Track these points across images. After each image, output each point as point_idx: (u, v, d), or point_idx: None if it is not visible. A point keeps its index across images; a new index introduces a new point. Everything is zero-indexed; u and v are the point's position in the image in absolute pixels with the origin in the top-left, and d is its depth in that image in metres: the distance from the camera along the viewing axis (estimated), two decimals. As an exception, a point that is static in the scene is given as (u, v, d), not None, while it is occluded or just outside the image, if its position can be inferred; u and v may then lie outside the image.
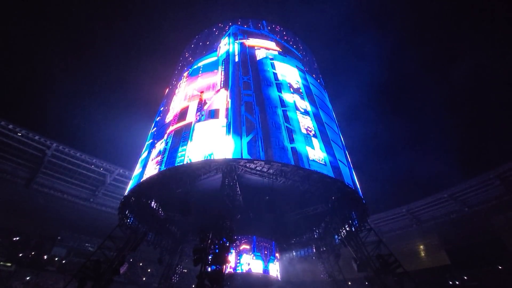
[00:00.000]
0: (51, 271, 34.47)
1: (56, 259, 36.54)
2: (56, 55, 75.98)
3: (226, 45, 31.24)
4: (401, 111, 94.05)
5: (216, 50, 31.73)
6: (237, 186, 19.52)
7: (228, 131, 19.84)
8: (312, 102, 26.55)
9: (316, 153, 20.44)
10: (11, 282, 30.50)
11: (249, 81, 25.11)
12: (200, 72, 29.14)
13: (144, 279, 41.84)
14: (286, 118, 22.10)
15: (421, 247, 41.77)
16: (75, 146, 39.08)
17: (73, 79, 77.98)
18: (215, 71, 27.65)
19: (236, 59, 28.24)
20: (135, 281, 40.30)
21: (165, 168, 19.62)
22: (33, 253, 35.04)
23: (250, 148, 18.60)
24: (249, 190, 20.62)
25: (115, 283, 22.79)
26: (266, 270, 24.65)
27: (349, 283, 33.55)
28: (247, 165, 18.83)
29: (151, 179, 20.40)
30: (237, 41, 31.38)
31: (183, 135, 21.33)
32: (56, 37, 76.42)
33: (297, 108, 23.94)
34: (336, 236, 25.42)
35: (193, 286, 33.75)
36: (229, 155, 18.12)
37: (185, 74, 31.71)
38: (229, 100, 22.81)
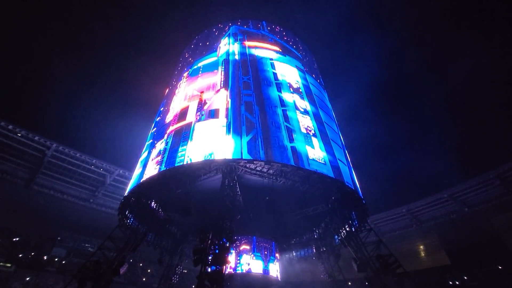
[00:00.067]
0: (51, 271, 34.42)
1: (56, 259, 36.50)
2: (56, 55, 76.00)
3: (226, 45, 31.27)
4: (401, 111, 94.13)
5: (216, 50, 31.75)
6: (237, 186, 19.50)
7: (228, 131, 19.87)
8: (311, 101, 26.59)
9: (316, 152, 20.48)
10: (11, 282, 30.46)
11: (249, 81, 25.15)
12: (200, 72, 29.16)
13: (144, 279, 41.81)
14: (286, 118, 22.15)
15: (421, 247, 41.76)
16: (75, 147, 39.05)
17: (73, 79, 77.97)
18: (215, 71, 27.67)
19: (236, 59, 28.27)
20: (135, 282, 40.27)
21: (165, 168, 19.62)
22: (33, 253, 35.01)
23: (250, 147, 18.63)
24: (249, 191, 20.62)
25: (115, 284, 22.78)
26: (266, 270, 24.64)
27: (349, 283, 33.54)
28: (247, 166, 18.83)
29: (151, 179, 20.39)
30: (237, 41, 31.42)
31: (183, 135, 21.35)
32: (56, 37, 76.48)
33: (296, 108, 23.99)
34: (336, 237, 25.41)
35: (193, 286, 33.73)
36: (229, 155, 18.14)
37: (185, 74, 31.73)
38: (229, 100, 22.85)
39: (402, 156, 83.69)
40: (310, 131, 22.30)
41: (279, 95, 24.42)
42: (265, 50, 30.77)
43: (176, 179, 20.17)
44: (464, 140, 66.58)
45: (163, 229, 27.77)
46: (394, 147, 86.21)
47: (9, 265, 31.44)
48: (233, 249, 24.56)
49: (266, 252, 25.81)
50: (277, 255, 27.07)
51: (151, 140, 26.16)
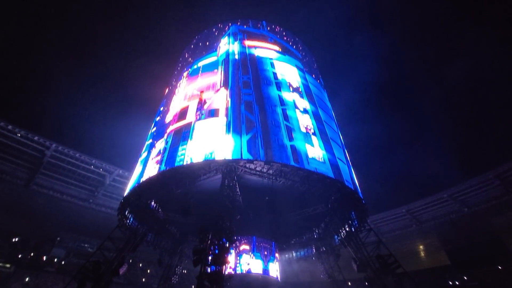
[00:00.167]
0: (51, 272, 34.32)
1: (56, 260, 36.40)
2: (55, 55, 75.87)
3: (226, 45, 31.26)
4: (400, 111, 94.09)
5: (215, 50, 31.75)
6: (237, 186, 19.49)
7: (228, 130, 19.87)
8: (311, 101, 26.62)
9: (315, 151, 20.53)
10: (10, 283, 30.38)
11: (248, 80, 25.17)
12: (200, 72, 29.16)
13: (143, 280, 41.73)
14: (286, 117, 22.19)
15: (421, 247, 41.75)
16: (75, 147, 38.98)
17: (72, 79, 77.87)
18: (215, 70, 27.68)
19: (236, 59, 28.27)
20: (134, 282, 40.19)
21: (165, 168, 19.62)
22: (32, 254, 34.92)
23: (249, 146, 18.65)
24: (249, 191, 20.61)
25: (114, 284, 22.74)
26: (266, 270, 24.61)
27: (349, 283, 33.49)
28: (247, 166, 18.82)
29: (151, 179, 20.37)
30: (237, 41, 31.43)
31: (183, 134, 21.35)
32: (56, 37, 76.34)
33: (296, 107, 24.03)
34: (336, 237, 25.41)
35: (193, 287, 33.69)
36: (229, 154, 18.14)
37: (185, 74, 31.72)
38: (229, 99, 22.86)
39: (401, 156, 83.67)
40: (309, 130, 22.33)
41: (278, 94, 24.45)
42: (265, 50, 30.77)
43: (176, 179, 20.15)
44: (463, 140, 66.65)
45: (163, 229, 27.73)
46: (393, 147, 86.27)
47: (8, 265, 31.36)
48: (233, 249, 24.53)
49: (266, 252, 25.78)
50: (277, 255, 27.03)
51: (150, 140, 26.13)
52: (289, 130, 21.08)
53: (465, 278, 33.85)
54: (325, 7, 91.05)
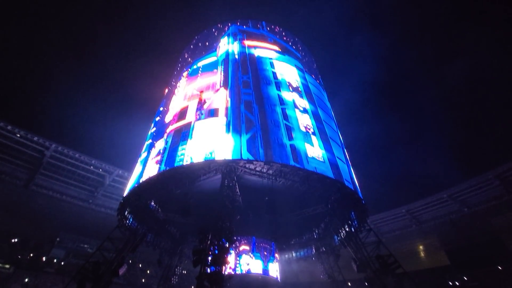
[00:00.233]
0: (50, 272, 34.26)
1: (55, 260, 36.34)
2: (55, 55, 75.82)
3: (226, 45, 31.27)
4: (400, 111, 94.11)
5: (215, 50, 31.75)
6: (237, 186, 19.46)
7: (228, 130, 19.88)
8: (311, 100, 26.64)
9: (315, 150, 20.58)
10: (10, 283, 30.32)
11: (248, 80, 25.19)
12: (200, 72, 29.15)
13: (143, 280, 41.68)
14: (285, 116, 22.23)
15: (421, 247, 41.74)
16: (74, 147, 38.99)
17: (72, 80, 77.84)
18: (215, 70, 27.68)
19: (236, 59, 28.28)
20: (134, 283, 40.13)
21: (164, 168, 19.61)
22: (31, 254, 34.86)
23: (249, 146, 18.66)
24: (249, 191, 20.57)
25: (114, 285, 22.69)
26: (265, 270, 24.58)
27: (349, 283, 33.47)
28: (247, 166, 18.80)
29: (151, 179, 20.34)
30: (236, 41, 31.42)
31: (182, 134, 21.34)
32: (56, 37, 76.30)
33: (296, 106, 24.06)
34: (336, 237, 25.38)
35: (193, 287, 33.63)
36: (229, 154, 18.14)
37: (185, 74, 31.72)
38: (229, 99, 22.86)
39: (401, 156, 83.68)
40: (309, 129, 22.37)
41: (278, 94, 24.47)
42: (264, 50, 30.78)
43: (176, 179, 20.11)
44: (463, 140, 66.70)
45: (163, 229, 27.68)
46: (393, 147, 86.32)
47: (7, 266, 31.30)
48: (233, 250, 24.49)
49: (265, 253, 25.76)
50: (276, 255, 27.00)
51: (150, 140, 26.11)
52: (289, 130, 21.11)
53: (465, 278, 33.85)
54: (325, 7, 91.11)
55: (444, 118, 76.87)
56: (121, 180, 42.52)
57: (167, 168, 19.50)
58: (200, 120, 21.91)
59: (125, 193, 23.25)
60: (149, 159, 22.74)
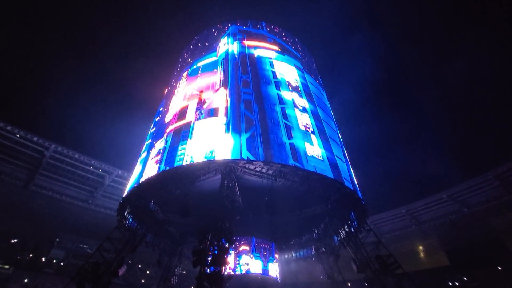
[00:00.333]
0: (49, 273, 34.21)
1: (54, 261, 36.30)
2: (55, 55, 75.88)
3: (225, 45, 31.29)
4: (400, 111, 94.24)
5: (215, 50, 31.77)
6: (236, 187, 19.43)
7: (228, 129, 19.90)
8: (310, 100, 26.67)
9: (314, 149, 20.62)
10: (9, 284, 30.27)
11: (248, 79, 25.21)
12: (200, 72, 29.17)
13: (143, 281, 41.62)
14: (285, 115, 22.27)
15: (421, 248, 41.70)
16: (74, 148, 39.05)
17: (72, 80, 77.92)
18: (215, 70, 27.70)
19: (236, 58, 28.30)
20: (133, 283, 40.08)
21: (164, 167, 19.60)
22: (31, 255, 34.81)
23: (249, 145, 18.68)
24: (248, 191, 20.53)
25: (113, 285, 22.64)
26: (265, 271, 24.55)
27: (349, 284, 33.42)
28: (246, 166, 18.78)
29: (150, 180, 20.32)
30: (236, 41, 31.45)
31: (182, 134, 21.34)
32: (56, 37, 76.31)
33: (295, 106, 24.09)
34: (336, 237, 25.35)
35: (192, 287, 33.60)
36: (229, 153, 18.16)
37: (185, 74, 31.72)
38: (229, 99, 22.89)
39: (401, 156, 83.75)
40: (308, 128, 22.40)
41: (277, 93, 24.51)
42: (264, 50, 30.80)
43: (175, 180, 20.09)
44: (463, 140, 66.75)
45: (162, 230, 27.64)
46: (393, 147, 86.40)
47: (7, 266, 31.26)
48: (232, 250, 24.46)
49: (265, 253, 25.72)
50: (276, 255, 26.97)
51: (150, 140, 26.10)
52: (288, 129, 21.14)
53: (465, 278, 33.82)
54: (324, 7, 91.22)
55: (444, 118, 76.97)
56: (120, 181, 42.50)
57: (167, 167, 19.48)
58: (200, 120, 21.91)
59: (125, 193, 23.24)
60: (149, 159, 22.73)
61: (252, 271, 24.12)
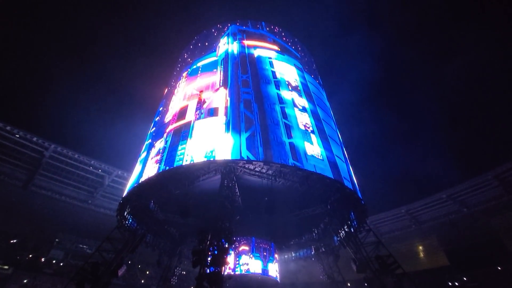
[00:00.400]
0: (49, 273, 34.15)
1: (54, 261, 36.23)
2: (55, 55, 75.84)
3: (225, 45, 31.29)
4: (400, 111, 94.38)
5: (215, 50, 31.76)
6: (236, 187, 19.42)
7: (227, 129, 19.90)
8: (310, 99, 26.69)
9: (314, 148, 20.65)
10: (8, 284, 30.21)
11: (248, 79, 25.22)
12: (199, 72, 29.15)
13: (142, 281, 41.57)
14: (284, 115, 22.28)
15: (420, 248, 41.69)
16: (74, 148, 39.00)
17: (71, 80, 77.84)
18: (214, 70, 27.70)
19: (235, 58, 28.31)
20: (133, 284, 40.02)
21: (164, 167, 19.56)
22: (30, 255, 34.75)
23: (249, 144, 18.68)
24: (248, 191, 20.53)
25: (113, 286, 22.63)
26: (265, 270, 24.54)
27: (348, 284, 33.41)
28: (246, 166, 18.76)
29: (150, 180, 20.28)
30: (236, 41, 31.45)
31: (182, 134, 21.32)
32: (55, 37, 76.27)
33: (295, 105, 24.10)
34: (335, 237, 25.33)
35: (192, 287, 33.56)
36: (228, 152, 18.15)
37: (184, 74, 31.70)
38: (228, 98, 22.90)
39: (401, 156, 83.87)
40: (308, 128, 22.42)
41: (277, 93, 24.52)
42: (264, 49, 30.82)
43: (175, 180, 20.05)
44: (463, 140, 66.82)
45: (162, 230, 27.60)
46: (393, 147, 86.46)
47: (6, 267, 31.20)
48: (232, 250, 24.44)
49: (265, 253, 25.72)
50: (276, 255, 26.97)
51: (150, 140, 26.07)
52: (288, 128, 21.15)
53: (465, 278, 33.82)
54: (324, 7, 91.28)
55: (443, 118, 77.04)
56: (120, 181, 42.45)
57: (167, 167, 19.45)
58: (199, 120, 21.89)
59: (125, 193, 23.18)
60: (149, 158, 22.70)
61: (251, 271, 24.12)
